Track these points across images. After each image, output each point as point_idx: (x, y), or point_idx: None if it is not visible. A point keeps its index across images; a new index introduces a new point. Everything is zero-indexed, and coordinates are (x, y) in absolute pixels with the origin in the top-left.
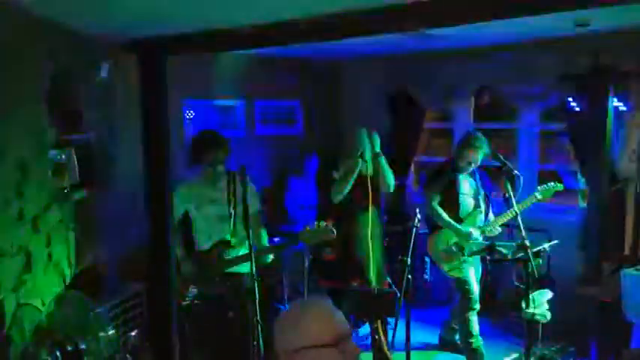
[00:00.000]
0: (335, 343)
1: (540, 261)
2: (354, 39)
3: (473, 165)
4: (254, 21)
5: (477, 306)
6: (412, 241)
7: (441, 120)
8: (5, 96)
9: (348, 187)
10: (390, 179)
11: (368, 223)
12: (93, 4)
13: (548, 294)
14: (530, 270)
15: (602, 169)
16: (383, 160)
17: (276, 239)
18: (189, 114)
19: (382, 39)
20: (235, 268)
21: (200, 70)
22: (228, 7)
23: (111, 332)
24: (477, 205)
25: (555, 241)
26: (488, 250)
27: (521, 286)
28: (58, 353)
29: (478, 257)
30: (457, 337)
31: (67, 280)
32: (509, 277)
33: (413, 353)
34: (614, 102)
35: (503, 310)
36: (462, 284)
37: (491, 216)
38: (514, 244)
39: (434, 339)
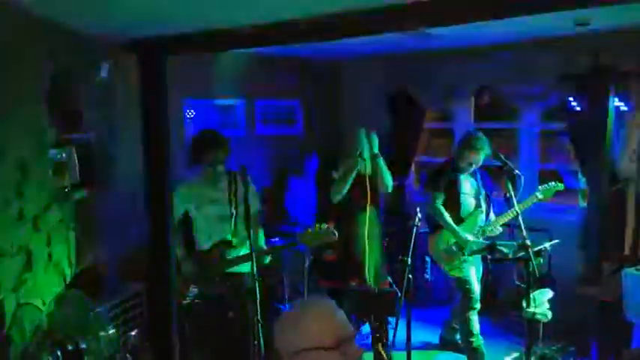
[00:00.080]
0: (336, 346)
1: (541, 260)
2: (354, 39)
3: (474, 165)
4: (254, 21)
5: (478, 305)
6: (413, 240)
7: (442, 120)
8: (5, 96)
9: (347, 187)
10: (388, 180)
11: (366, 223)
12: (93, 4)
13: (548, 293)
14: (530, 269)
15: (602, 169)
16: (381, 161)
17: (276, 239)
18: (190, 113)
19: (382, 39)
20: (236, 268)
21: (200, 69)
22: (228, 7)
23: (111, 332)
24: (477, 205)
25: (556, 241)
26: (489, 249)
27: (522, 285)
28: (58, 353)
29: (479, 257)
30: (458, 336)
31: (68, 280)
32: (510, 276)
33: (414, 353)
34: (615, 102)
35: (503, 309)
36: (463, 284)
37: (492, 216)
38: (515, 243)
39: (435, 338)
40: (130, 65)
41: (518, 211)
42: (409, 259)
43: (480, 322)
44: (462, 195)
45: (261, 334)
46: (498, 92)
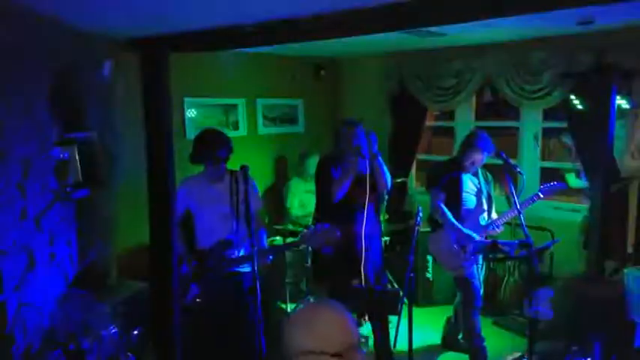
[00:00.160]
0: (342, 353)
1: (543, 259)
2: (355, 38)
3: (476, 164)
4: (255, 19)
5: (480, 305)
6: (414, 239)
7: (443, 118)
8: (8, 95)
9: (347, 186)
10: (387, 179)
11: (365, 222)
12: (95, 2)
13: (550, 292)
14: (532, 268)
15: (604, 167)
16: (380, 160)
17: (277, 239)
18: (191, 112)
19: (383, 37)
20: (236, 268)
21: (202, 68)
22: (230, 6)
23: (113, 331)
24: (479, 204)
25: (558, 240)
26: (491, 248)
27: (524, 284)
28: (60, 352)
29: (481, 256)
30: (460, 336)
31: (70, 279)
32: (512, 275)
33: (415, 352)
34: (617, 99)
35: (505, 308)
36: (465, 283)
37: (493, 214)
38: (517, 242)
39: (437, 338)
40: (132, 63)
41: (520, 210)
42: (411, 258)
43: (482, 322)
44: (463, 194)
45: (262, 334)
46: (500, 90)
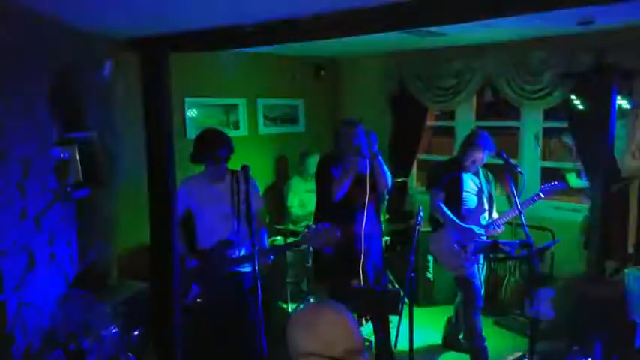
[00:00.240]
0: (345, 357)
1: (544, 259)
2: (354, 38)
3: (477, 164)
4: (255, 19)
5: (481, 304)
6: (415, 239)
7: (443, 118)
8: (8, 95)
9: (347, 186)
10: (388, 179)
11: (365, 222)
12: (95, 2)
13: (551, 292)
14: (533, 268)
15: (605, 167)
16: (380, 160)
17: (278, 239)
18: (192, 112)
19: (383, 37)
20: (237, 267)
21: (202, 68)
22: (230, 6)
23: (114, 331)
24: (480, 204)
25: (558, 240)
26: (492, 248)
27: (525, 284)
28: (61, 352)
29: (481, 255)
30: (461, 335)
31: (70, 279)
32: (513, 275)
33: (416, 352)
34: (618, 99)
35: (506, 308)
36: (465, 283)
37: (494, 214)
38: (517, 242)
39: (437, 338)
40: (132, 63)
41: (521, 210)
42: (412, 258)
43: (483, 321)
44: (464, 194)
45: (262, 334)
46: (500, 90)
